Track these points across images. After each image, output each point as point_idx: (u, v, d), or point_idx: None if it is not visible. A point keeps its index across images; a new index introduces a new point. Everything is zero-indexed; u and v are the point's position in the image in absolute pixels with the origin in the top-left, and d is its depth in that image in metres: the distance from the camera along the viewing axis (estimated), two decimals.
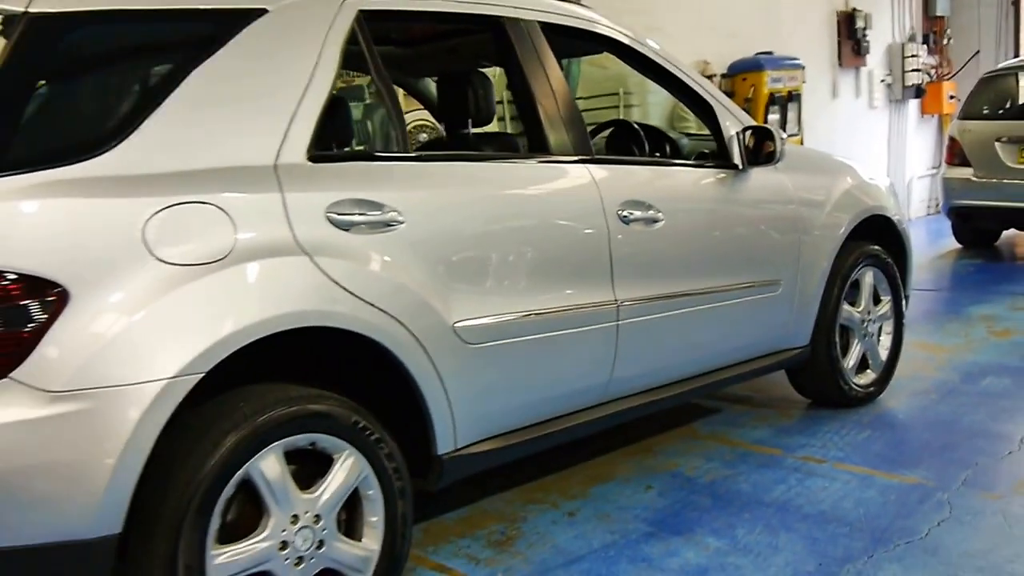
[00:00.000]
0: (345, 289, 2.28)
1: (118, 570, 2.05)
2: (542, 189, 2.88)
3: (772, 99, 7.69)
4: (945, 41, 11.12)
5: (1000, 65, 8.69)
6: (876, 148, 10.17)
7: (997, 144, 7.50)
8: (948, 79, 11.08)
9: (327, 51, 2.45)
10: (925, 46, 10.73)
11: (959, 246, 8.20)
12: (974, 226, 7.97)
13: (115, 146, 2.09)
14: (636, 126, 3.83)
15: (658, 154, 3.80)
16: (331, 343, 2.35)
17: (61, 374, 1.93)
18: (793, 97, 7.98)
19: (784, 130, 7.75)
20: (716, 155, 3.53)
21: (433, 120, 4.67)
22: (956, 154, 7.82)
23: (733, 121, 3.49)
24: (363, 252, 2.35)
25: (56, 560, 1.98)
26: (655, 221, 3.08)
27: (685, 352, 3.29)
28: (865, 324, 4.05)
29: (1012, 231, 8.27)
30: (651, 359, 3.14)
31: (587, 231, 2.89)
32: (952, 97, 10.86)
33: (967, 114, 7.98)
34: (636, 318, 3.01)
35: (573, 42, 3.20)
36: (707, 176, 3.41)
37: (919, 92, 10.54)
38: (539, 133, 2.93)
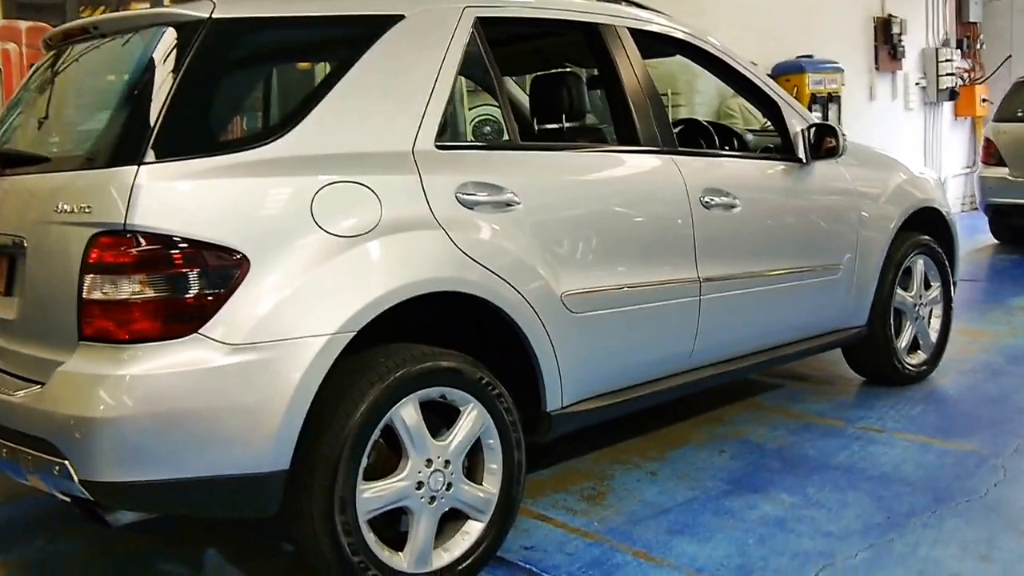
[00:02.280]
0: (474, 260, 2.59)
1: (285, 502, 2.36)
2: (634, 175, 3.19)
3: (813, 99, 7.96)
4: (978, 46, 11.34)
5: None
6: (912, 148, 10.39)
7: None
8: (980, 83, 11.30)
9: (451, 52, 2.76)
10: (959, 51, 10.96)
11: (995, 241, 8.43)
12: (1010, 223, 8.20)
13: (286, 134, 2.41)
14: (705, 123, 4.13)
15: (727, 148, 4.09)
16: (452, 310, 2.66)
17: (241, 330, 2.24)
18: (833, 98, 8.26)
19: None
20: (782, 149, 3.81)
21: (498, 115, 4.99)
22: (992, 154, 8.06)
23: (798, 118, 3.78)
24: (487, 228, 2.66)
25: (236, 490, 2.28)
26: (732, 207, 3.37)
27: (757, 327, 3.57)
28: (917, 308, 4.32)
29: None
30: (728, 332, 3.43)
31: (673, 214, 3.19)
32: (984, 100, 11.08)
33: (1002, 116, 8.22)
34: (715, 294, 3.30)
35: (654, 45, 3.50)
36: (775, 168, 3.70)
37: (953, 95, 10.77)
38: (630, 126, 3.23)
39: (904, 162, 4.43)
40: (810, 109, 8.02)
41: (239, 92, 2.55)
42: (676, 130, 4.29)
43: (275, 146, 2.40)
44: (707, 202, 3.27)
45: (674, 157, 3.26)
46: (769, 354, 3.65)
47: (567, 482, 3.34)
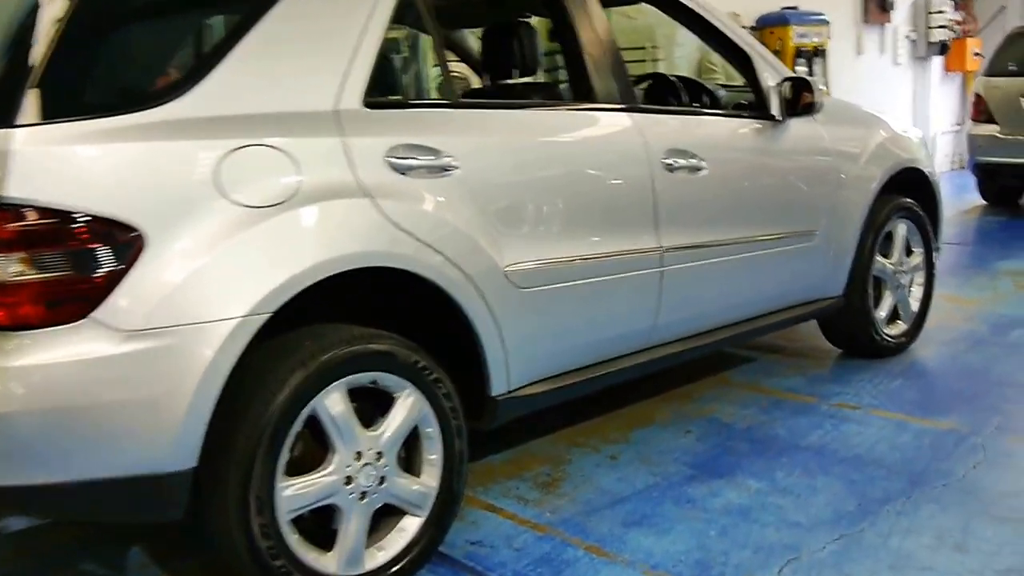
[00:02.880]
0: (405, 231, 2.34)
1: (193, 503, 2.14)
2: (589, 136, 2.93)
3: (798, 54, 7.68)
4: None
5: None
6: (900, 104, 10.12)
7: (1023, 100, 7.47)
8: (973, 36, 10.99)
9: (381, 1, 2.49)
10: (951, 2, 10.62)
11: (984, 202, 8.20)
12: (999, 183, 7.96)
13: (188, 92, 2.15)
14: (674, 78, 3.86)
15: (696, 105, 3.83)
16: (388, 285, 2.43)
17: (138, 313, 2.01)
18: (819, 52, 7.98)
19: None
20: (754, 106, 3.55)
21: (464, 71, 4.71)
22: (982, 111, 7.79)
23: (771, 72, 3.52)
24: (421, 195, 2.41)
25: (136, 492, 2.06)
26: (698, 169, 3.12)
27: (725, 299, 3.35)
28: (897, 275, 4.10)
29: None
30: (693, 306, 3.20)
31: (632, 178, 2.94)
32: (977, 54, 10.78)
33: (993, 70, 7.94)
34: (679, 265, 3.07)
35: None
36: (746, 126, 3.44)
37: (944, 49, 10.47)
38: (585, 81, 2.97)
39: (886, 119, 4.18)
40: (794, 64, 7.77)
41: (133, 43, 2.29)
42: (642, 86, 4.07)
43: (175, 106, 2.13)
44: (670, 164, 3.02)
45: (634, 115, 3.01)
46: (739, 328, 3.43)
47: (521, 468, 3.13)
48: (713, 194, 3.20)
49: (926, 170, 4.17)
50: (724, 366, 4.07)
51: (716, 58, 7.04)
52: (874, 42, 9.68)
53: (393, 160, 2.38)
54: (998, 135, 7.60)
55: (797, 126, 3.56)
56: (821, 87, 3.55)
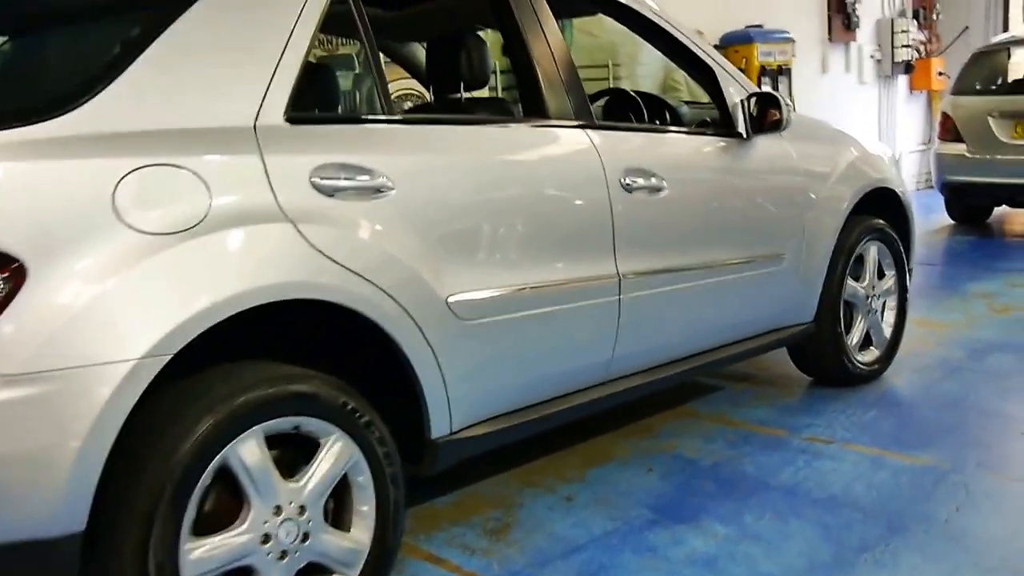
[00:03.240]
0: (331, 259, 2.10)
1: (84, 571, 1.87)
2: (541, 155, 2.70)
3: (763, 72, 7.55)
4: (934, 17, 10.99)
5: (993, 40, 8.58)
6: (866, 123, 10.05)
7: (990, 119, 7.38)
8: (937, 55, 10.96)
9: (309, 6, 2.26)
10: (915, 22, 10.60)
11: (952, 222, 8.09)
12: (967, 202, 7.86)
13: (82, 105, 1.89)
14: (634, 94, 3.65)
15: (658, 122, 3.62)
16: (319, 319, 2.18)
17: (18, 356, 1.75)
18: (783, 71, 7.86)
19: None
20: (719, 123, 3.36)
21: (419, 88, 4.49)
22: (949, 130, 7.69)
23: (737, 88, 3.33)
24: (350, 220, 2.16)
25: (16, 560, 1.80)
26: (658, 190, 2.91)
27: (689, 328, 3.13)
28: (869, 300, 3.91)
29: (1004, 208, 8.14)
30: (654, 336, 2.98)
31: (588, 200, 2.72)
32: (941, 73, 10.76)
33: (960, 89, 7.85)
34: (639, 292, 2.84)
35: (571, 1, 3.02)
36: (711, 144, 3.24)
37: (908, 68, 10.43)
38: (537, 96, 2.76)
39: (856, 137, 4.00)
40: (759, 82, 7.64)
41: (19, 50, 2.03)
42: (600, 102, 3.87)
43: (67, 120, 1.88)
44: (629, 185, 2.80)
45: (590, 132, 2.79)
46: (704, 358, 3.20)
47: (468, 512, 2.88)
48: (675, 216, 2.99)
49: (898, 190, 4.00)
50: (689, 396, 3.84)
51: (680, 75, 6.89)
52: (839, 61, 9.60)
53: (319, 181, 2.13)
54: (966, 154, 7.49)
55: (764, 144, 3.37)
56: (790, 103, 3.36)
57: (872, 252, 3.90)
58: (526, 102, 2.82)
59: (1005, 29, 10.84)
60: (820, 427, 3.47)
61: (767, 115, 3.31)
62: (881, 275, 3.99)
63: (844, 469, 3.08)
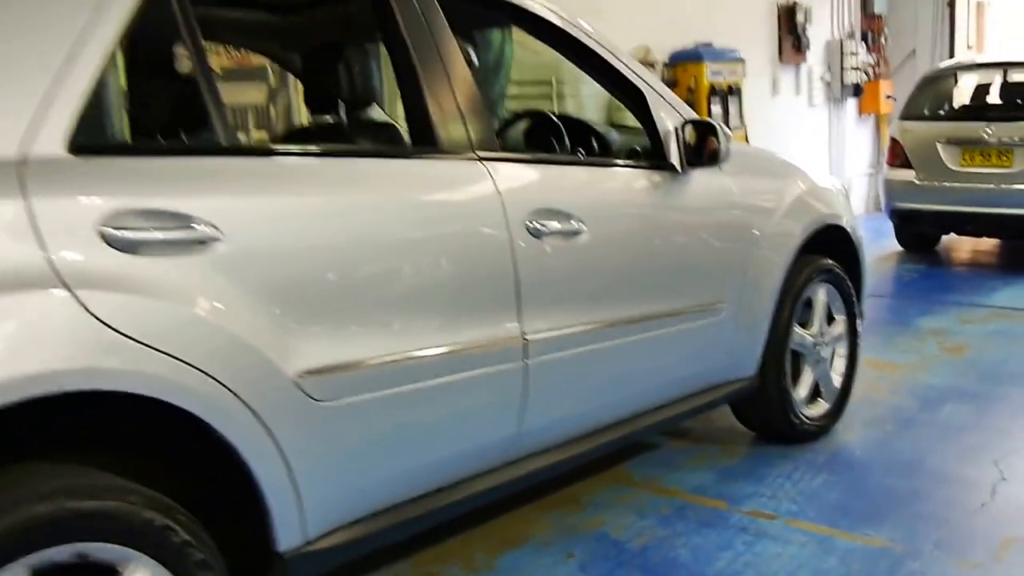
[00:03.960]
0: (125, 335, 1.63)
1: None
2: (424, 195, 2.26)
3: (712, 92, 7.24)
4: (882, 39, 10.81)
5: (941, 65, 8.37)
6: (816, 147, 9.81)
7: (938, 146, 7.13)
8: (885, 79, 10.79)
9: (107, 9, 1.78)
10: (864, 44, 10.42)
11: (900, 248, 7.83)
12: (916, 230, 7.60)
13: None
14: (555, 117, 3.25)
15: (582, 151, 3.23)
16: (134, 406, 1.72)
17: None
18: (734, 91, 7.55)
19: (727, 125, 7.31)
20: (651, 154, 2.97)
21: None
22: (898, 155, 7.42)
23: (670, 113, 2.94)
24: (156, 282, 1.69)
25: None
26: (576, 234, 2.51)
27: (612, 393, 2.73)
28: (818, 348, 3.55)
29: (952, 235, 7.91)
30: (571, 404, 2.58)
31: (484, 248, 2.30)
32: (889, 97, 10.58)
33: (908, 114, 7.59)
34: (551, 355, 2.43)
35: (469, 10, 2.61)
36: (640, 179, 2.85)
37: (857, 91, 10.22)
38: (425, 123, 2.32)
39: (803, 168, 3.66)
40: (709, 103, 7.33)
41: None
42: (519, 127, 3.47)
43: None
44: (537, 229, 2.40)
45: (491, 166, 2.37)
46: (631, 425, 2.80)
47: None
48: (595, 264, 2.59)
49: (848, 227, 3.66)
50: (620, 457, 3.43)
51: None
52: (789, 82, 9.35)
53: (113, 232, 1.66)
54: (915, 181, 7.22)
55: (701, 178, 2.99)
56: (729, 132, 2.98)
57: (821, 295, 3.55)
58: (413, 130, 2.39)
59: (951, 53, 10.70)
60: (764, 497, 3.08)
61: (705, 145, 2.94)
62: (830, 320, 3.64)
63: (789, 554, 2.69)
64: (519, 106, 6.49)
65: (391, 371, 2.06)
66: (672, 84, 7.29)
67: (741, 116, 7.74)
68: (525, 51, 6.18)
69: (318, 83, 2.55)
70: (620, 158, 3.11)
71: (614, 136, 3.34)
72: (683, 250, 2.92)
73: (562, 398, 2.52)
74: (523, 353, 2.35)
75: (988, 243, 8.07)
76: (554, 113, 3.28)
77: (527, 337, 2.37)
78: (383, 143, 2.46)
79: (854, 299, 3.69)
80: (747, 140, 7.75)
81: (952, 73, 7.91)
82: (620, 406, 2.77)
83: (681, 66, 7.30)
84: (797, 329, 3.44)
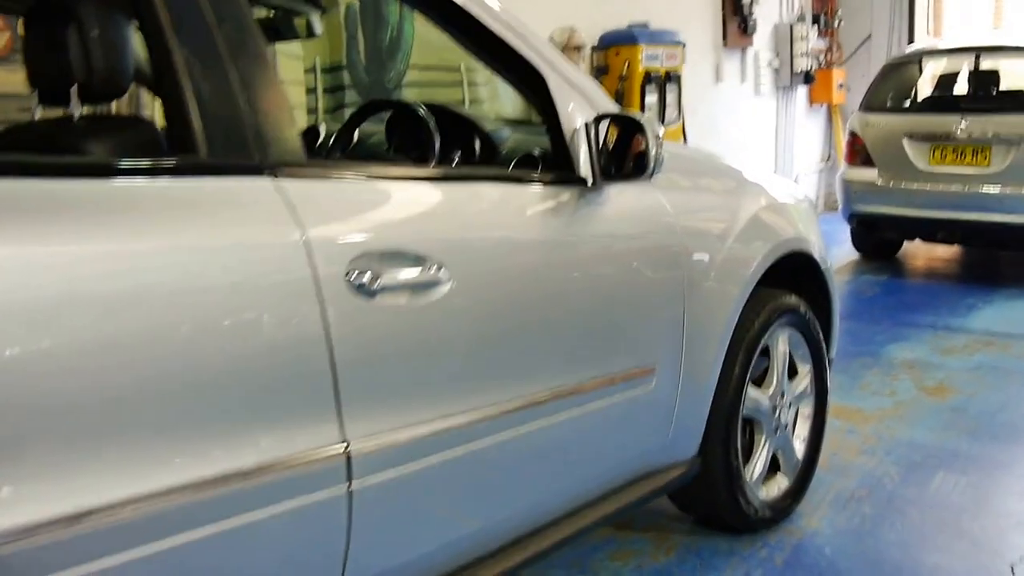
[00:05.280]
0: None
1: None
2: (172, 237, 1.36)
3: (648, 79, 6.40)
4: (836, 24, 10.10)
5: (907, 50, 7.64)
6: (763, 139, 9.08)
7: (906, 142, 6.39)
8: (838, 66, 10.08)
9: None
10: (816, 28, 9.69)
11: (857, 254, 7.09)
12: (878, 236, 6.86)
13: None
14: (421, 110, 2.35)
15: (458, 157, 2.35)
16: None
17: None
18: (672, 78, 6.72)
19: (663, 117, 6.48)
20: (552, 161, 2.12)
21: None
22: (857, 152, 6.68)
23: (580, 105, 2.08)
24: None
25: None
26: (431, 285, 1.64)
27: (483, 512, 1.86)
28: (777, 412, 2.73)
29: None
30: (421, 536, 1.70)
31: (273, 316, 1.43)
32: (842, 86, 9.88)
33: (870, 105, 6.84)
34: (390, 471, 1.57)
35: None
36: (534, 198, 1.98)
37: (808, 78, 9.48)
38: (185, 126, 1.46)
39: (759, 176, 2.84)
40: (643, 91, 6.50)
41: None
42: (373, 127, 2.59)
43: None
44: (364, 283, 1.53)
45: (286, 184, 1.51)
46: (512, 555, 1.94)
47: None
48: (460, 329, 1.72)
49: (817, 254, 2.85)
50: None
51: None
52: (734, 69, 8.57)
53: None
54: (877, 182, 6.48)
55: (622, 194, 2.15)
56: (661, 130, 2.11)
57: (782, 343, 2.73)
58: (171, 133, 1.51)
59: (910, 39, 10.02)
60: None
61: (628, 149, 2.09)
62: (792, 373, 2.83)
63: None
64: (421, 97, 5.61)
65: (114, 523, 1.20)
66: (602, 71, 6.46)
67: (679, 105, 6.94)
68: (432, 30, 5.28)
69: (40, 57, 1.63)
70: (508, 167, 2.25)
71: (505, 134, 2.47)
72: (593, 299, 2.05)
73: (407, 530, 1.65)
74: (345, 472, 1.49)
75: (952, 249, 7.38)
76: (416, 104, 2.37)
77: (351, 449, 1.51)
78: (132, 150, 1.55)
79: (822, 345, 2.88)
80: (684, 133, 6.95)
81: (917, 60, 7.18)
82: (493, 529, 1.89)
83: (613, 50, 6.47)
84: (751, 390, 2.61)
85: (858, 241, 6.96)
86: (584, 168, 2.04)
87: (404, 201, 1.73)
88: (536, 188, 2.01)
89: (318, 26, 2.29)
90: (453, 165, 2.32)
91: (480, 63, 2.11)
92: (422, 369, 1.67)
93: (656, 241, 2.24)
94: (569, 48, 6.02)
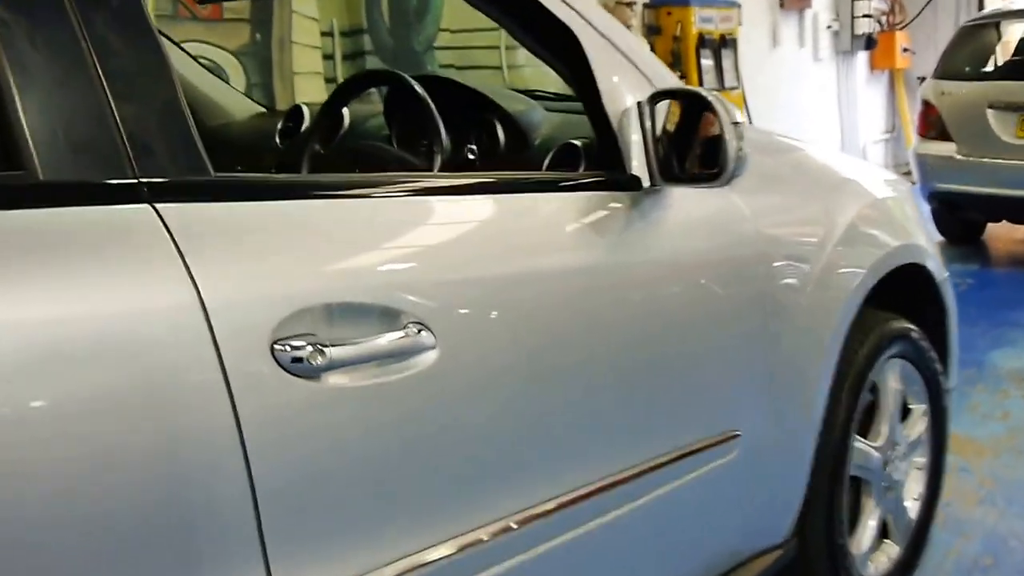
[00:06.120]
0: None
1: None
2: None
3: (701, 42, 5.79)
4: None
5: (986, 11, 6.88)
6: (825, 109, 8.35)
7: (990, 112, 5.65)
8: (901, 28, 9.28)
9: None
10: None
11: (940, 238, 6.36)
12: (962, 216, 6.12)
13: None
14: (418, 87, 1.74)
15: (473, 152, 1.76)
16: None
17: None
18: (727, 42, 6.10)
19: (722, 83, 5.83)
20: (595, 154, 1.54)
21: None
22: (932, 124, 5.95)
23: (631, 76, 1.50)
24: None
25: None
26: (411, 354, 1.08)
27: None
28: (887, 467, 2.13)
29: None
30: None
31: (150, 425, 0.90)
32: (906, 50, 9.10)
33: (946, 72, 6.09)
34: None
35: None
36: (567, 211, 1.40)
37: (870, 43, 8.73)
38: (5, 129, 0.90)
39: (852, 164, 2.24)
40: (698, 56, 5.86)
41: None
42: (372, 108, 2.02)
43: None
44: (303, 357, 0.99)
45: (174, 213, 0.96)
46: None
47: None
48: (456, 416, 1.16)
49: (932, 265, 2.24)
50: None
51: None
52: (792, 32, 7.87)
53: None
54: (956, 156, 5.76)
55: (686, 197, 1.56)
56: (742, 116, 1.51)
57: (891, 380, 2.12)
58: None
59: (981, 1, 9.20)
60: None
61: (695, 138, 1.50)
62: (905, 412, 2.22)
63: None
64: (455, 63, 5.02)
65: None
66: (654, 31, 5.84)
67: (737, 72, 6.32)
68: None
69: None
70: (540, 161, 1.66)
71: (535, 119, 1.87)
72: (651, 351, 1.46)
73: None
74: None
75: None
76: (408, 77, 1.77)
77: None
78: None
79: (940, 378, 2.27)
80: (746, 104, 6.31)
81: (995, 22, 6.42)
82: None
83: (664, 9, 5.86)
84: (858, 442, 2.02)
85: (941, 224, 6.18)
86: (636, 164, 1.46)
87: (369, 226, 1.15)
88: (571, 195, 1.42)
89: None
90: (470, 159, 1.74)
91: (497, 24, 1.53)
92: (399, 480, 1.11)
93: (735, 263, 1.65)
94: (618, 6, 5.39)
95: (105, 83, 0.94)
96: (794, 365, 1.78)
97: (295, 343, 0.98)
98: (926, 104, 6.06)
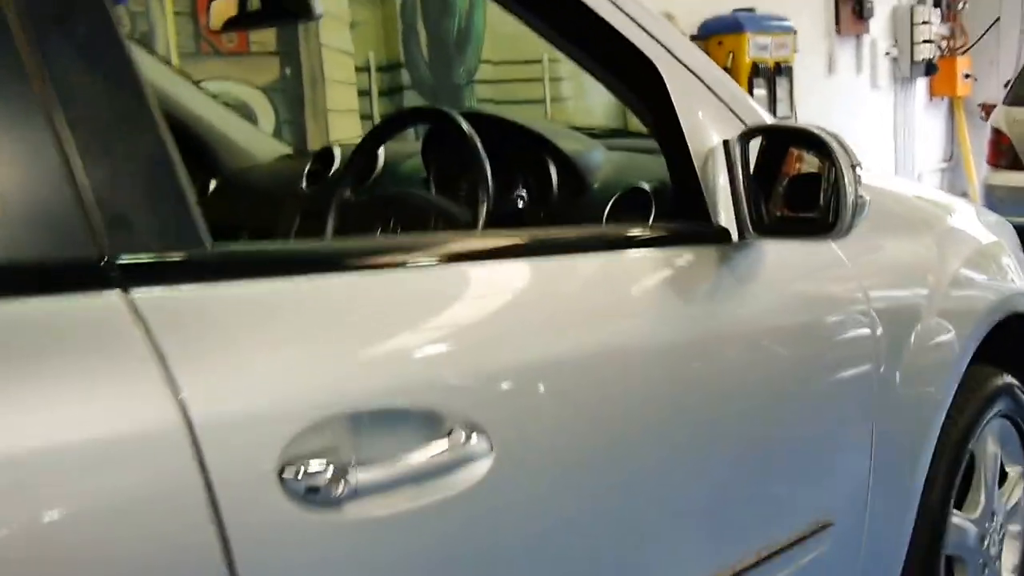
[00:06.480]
0: None
1: None
2: None
3: (755, 71, 5.58)
4: (960, 6, 8.99)
5: None
6: (881, 137, 8.07)
7: None
8: (962, 54, 8.97)
9: None
10: (938, 11, 8.60)
11: None
12: None
13: None
14: (465, 125, 1.53)
15: (523, 198, 1.56)
16: None
17: None
18: (782, 70, 5.89)
19: (774, 112, 5.61)
20: (674, 202, 1.34)
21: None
22: (1003, 152, 5.69)
23: (717, 111, 1.31)
24: None
25: None
26: (459, 465, 0.88)
27: None
28: (986, 542, 1.90)
29: None
30: None
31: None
32: (968, 76, 8.78)
33: (1017, 98, 5.83)
34: None
35: None
36: (643, 270, 1.21)
37: (930, 68, 8.41)
38: None
39: (948, 201, 2.02)
40: (751, 86, 5.65)
41: None
42: (407, 149, 1.84)
43: None
44: (319, 486, 0.79)
45: (152, 300, 0.76)
46: None
47: None
48: (518, 539, 0.96)
49: None
50: None
51: None
52: (848, 59, 7.61)
53: None
54: None
55: (778, 254, 1.35)
56: (858, 158, 1.30)
57: (989, 444, 1.89)
58: None
59: None
60: None
61: (778, 175, 1.29)
62: (1002, 478, 1.98)
63: None
64: (495, 97, 4.85)
65: None
66: None
67: (791, 101, 6.10)
68: (507, 22, 4.53)
69: None
70: (601, 210, 1.47)
71: (595, 160, 1.66)
72: (745, 436, 1.26)
73: None
74: None
75: None
76: (453, 113, 1.56)
77: None
78: None
79: None
80: None
81: None
82: None
83: (715, 39, 5.66)
84: (955, 517, 1.79)
85: None
86: (724, 214, 1.26)
87: (403, 306, 0.95)
88: (646, 253, 1.23)
89: (317, 7, 1.55)
90: (519, 207, 1.55)
91: (561, 52, 1.34)
92: None
93: (837, 332, 1.44)
94: None
95: (69, 134, 0.74)
96: (896, 442, 1.56)
97: (311, 467, 0.79)
98: (997, 132, 5.80)
